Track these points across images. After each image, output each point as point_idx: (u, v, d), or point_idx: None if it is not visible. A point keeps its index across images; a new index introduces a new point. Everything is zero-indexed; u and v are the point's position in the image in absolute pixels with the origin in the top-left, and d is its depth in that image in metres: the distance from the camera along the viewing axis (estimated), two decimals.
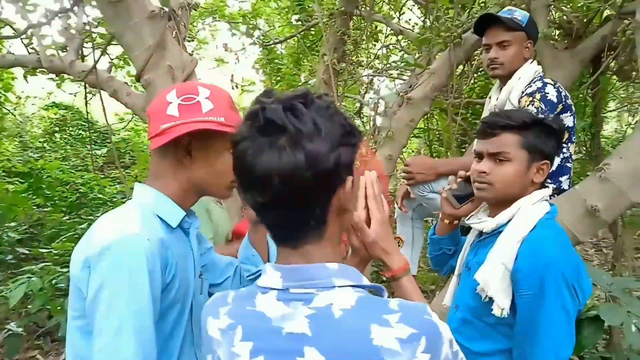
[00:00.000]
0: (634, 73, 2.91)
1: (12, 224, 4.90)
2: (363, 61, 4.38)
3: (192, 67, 2.49)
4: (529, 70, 2.23)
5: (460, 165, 2.08)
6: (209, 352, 0.89)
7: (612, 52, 2.73)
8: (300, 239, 0.83)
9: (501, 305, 1.38)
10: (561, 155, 2.17)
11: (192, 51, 8.12)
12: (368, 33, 4.24)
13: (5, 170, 6.56)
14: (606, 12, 2.82)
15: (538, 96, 2.10)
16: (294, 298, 0.81)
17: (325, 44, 4.11)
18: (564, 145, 2.18)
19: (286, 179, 0.75)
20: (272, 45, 6.96)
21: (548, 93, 2.10)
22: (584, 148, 3.17)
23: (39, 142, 9.62)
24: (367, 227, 1.10)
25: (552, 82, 2.15)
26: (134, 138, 8.42)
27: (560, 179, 2.18)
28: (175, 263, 1.18)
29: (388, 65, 5.13)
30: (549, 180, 2.17)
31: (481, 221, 1.55)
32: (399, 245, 2.50)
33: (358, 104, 5.35)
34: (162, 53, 2.42)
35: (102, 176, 6.77)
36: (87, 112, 4.08)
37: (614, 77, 3.15)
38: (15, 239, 4.53)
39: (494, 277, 1.40)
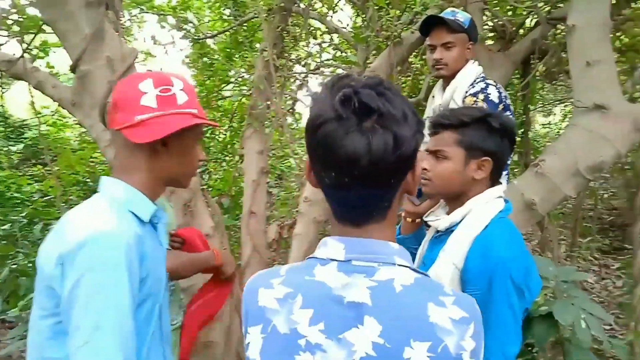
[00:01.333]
0: (560, 75, 3.12)
1: None
2: (301, 58, 4.38)
3: (133, 58, 2.37)
4: (472, 71, 2.33)
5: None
6: (258, 323, 0.87)
7: (542, 56, 2.90)
8: (369, 217, 0.87)
9: None
10: None
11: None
12: (306, 30, 4.23)
13: None
14: (536, 18, 3.00)
15: (481, 97, 2.20)
16: (355, 270, 0.84)
17: (265, 40, 4.06)
18: None
19: (375, 160, 0.79)
20: (204, 40, 6.79)
21: (490, 94, 2.20)
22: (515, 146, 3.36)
23: None
24: None
25: (494, 83, 2.25)
26: (55, 133, 7.90)
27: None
28: (149, 258, 1.16)
29: (321, 63, 5.17)
30: None
31: (437, 219, 1.59)
32: None
33: (291, 101, 5.35)
34: (100, 43, 2.29)
35: (20, 174, 6.31)
36: (1, 105, 3.79)
37: (542, 78, 3.37)
38: None
39: (444, 277, 1.44)
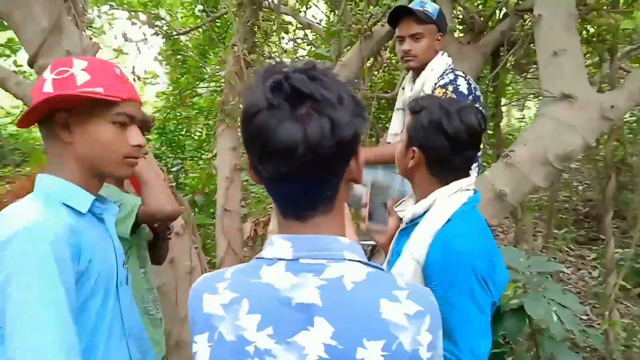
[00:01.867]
0: (529, 67, 3.14)
1: None
2: (274, 53, 4.33)
3: (94, 52, 2.30)
4: (441, 62, 2.31)
5: (380, 153, 2.11)
6: (204, 331, 0.84)
7: (511, 47, 2.90)
8: (314, 210, 0.83)
9: None
10: None
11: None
12: (277, 25, 4.18)
13: None
14: (505, 9, 3.00)
15: (450, 88, 2.18)
16: (304, 269, 0.80)
17: (235, 34, 4.00)
18: None
19: (312, 148, 0.76)
20: (177, 36, 6.70)
21: (459, 85, 2.18)
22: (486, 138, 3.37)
23: None
24: None
25: (463, 75, 2.24)
26: (25, 133, 7.73)
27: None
28: (92, 249, 1.11)
29: (296, 59, 5.12)
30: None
31: (403, 209, 1.57)
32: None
33: None
34: (59, 36, 2.21)
35: None
36: None
37: (512, 70, 3.38)
38: None
39: (406, 272, 1.41)
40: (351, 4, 3.81)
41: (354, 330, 0.76)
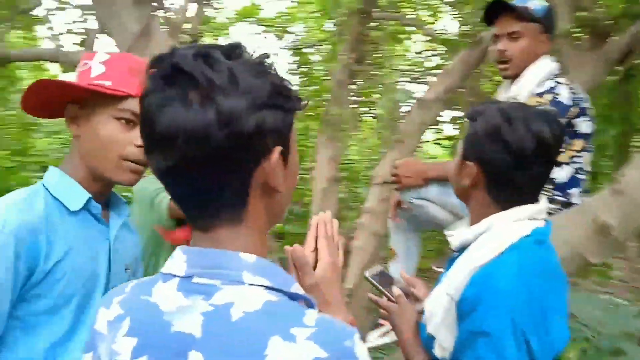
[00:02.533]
0: None
1: None
2: (384, 62, 4.17)
3: None
4: (543, 67, 1.97)
5: (445, 169, 1.85)
6: (90, 350, 0.75)
7: None
8: (213, 219, 0.69)
9: (443, 345, 1.14)
10: (573, 165, 1.90)
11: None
12: (388, 34, 4.03)
13: None
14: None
15: (548, 97, 1.85)
16: (195, 290, 0.66)
17: (344, 44, 3.94)
18: (577, 154, 1.91)
19: (193, 139, 0.63)
20: (305, 50, 6.85)
21: (559, 94, 1.84)
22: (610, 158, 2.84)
23: None
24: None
25: (566, 83, 1.89)
26: None
27: (570, 191, 1.89)
28: (63, 250, 1.06)
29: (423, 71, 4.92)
30: (557, 193, 1.90)
31: (452, 233, 1.32)
32: (392, 258, 2.27)
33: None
34: (146, 41, 2.30)
35: None
36: None
37: None
38: None
39: (437, 309, 1.16)
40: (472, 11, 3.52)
41: None
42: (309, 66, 6.82)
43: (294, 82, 7.39)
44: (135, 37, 2.25)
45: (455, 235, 1.28)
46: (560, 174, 1.89)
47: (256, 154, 0.67)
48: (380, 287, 1.31)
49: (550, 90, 1.86)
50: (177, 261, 0.69)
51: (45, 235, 1.04)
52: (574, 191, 1.89)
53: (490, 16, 2.06)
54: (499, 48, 2.01)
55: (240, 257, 0.67)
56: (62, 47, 3.79)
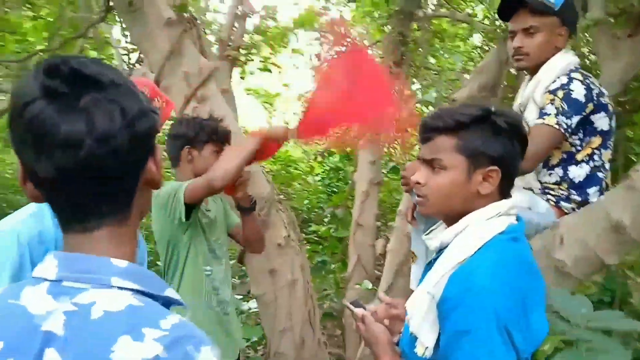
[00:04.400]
0: None
1: None
2: (428, 62, 4.12)
3: (208, 72, 2.49)
4: (560, 62, 1.90)
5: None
6: None
7: None
8: (102, 219, 0.72)
9: (425, 343, 1.15)
10: (591, 162, 1.82)
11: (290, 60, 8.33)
12: (434, 32, 3.98)
13: None
14: None
15: (560, 94, 1.79)
16: (64, 292, 0.69)
17: (383, 46, 3.94)
18: (596, 151, 1.83)
19: (101, 141, 0.66)
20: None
21: (573, 90, 1.78)
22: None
23: None
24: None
25: (581, 78, 1.81)
26: None
27: (588, 190, 1.82)
28: None
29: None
30: (574, 192, 1.83)
31: (431, 237, 1.32)
32: (412, 261, 2.27)
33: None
34: (179, 59, 2.46)
35: None
36: None
37: None
38: None
39: (418, 309, 1.18)
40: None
41: None
42: None
43: None
44: (166, 56, 2.41)
45: (434, 239, 1.29)
46: (577, 172, 1.82)
47: (146, 153, 0.73)
48: (352, 309, 1.39)
49: (564, 86, 1.80)
50: (48, 265, 0.72)
51: (54, 245, 1.17)
52: (593, 190, 1.82)
53: (506, 11, 2.02)
54: (514, 45, 1.97)
55: (112, 262, 0.70)
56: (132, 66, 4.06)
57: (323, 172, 7.16)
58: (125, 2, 2.33)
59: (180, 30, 2.45)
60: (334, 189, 6.04)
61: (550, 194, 1.88)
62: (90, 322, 0.66)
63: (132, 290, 0.70)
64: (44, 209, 1.21)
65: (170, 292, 0.75)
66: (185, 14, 2.49)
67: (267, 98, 8.62)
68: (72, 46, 4.58)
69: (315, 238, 4.67)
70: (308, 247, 4.16)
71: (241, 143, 1.86)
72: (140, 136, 0.70)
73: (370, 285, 2.84)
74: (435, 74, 5.45)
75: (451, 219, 1.25)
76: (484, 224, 1.19)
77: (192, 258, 1.96)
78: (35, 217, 1.19)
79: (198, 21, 2.60)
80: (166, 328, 0.66)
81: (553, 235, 1.78)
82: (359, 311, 1.40)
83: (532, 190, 1.91)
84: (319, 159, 6.83)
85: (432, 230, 1.36)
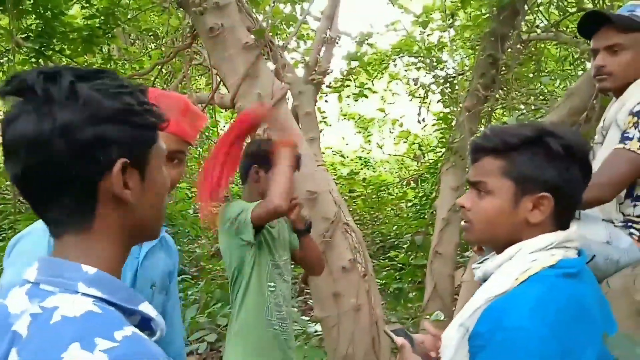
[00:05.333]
0: None
1: None
2: (515, 87, 3.89)
3: (281, 94, 2.56)
4: None
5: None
6: None
7: None
8: (61, 227, 0.76)
9: None
10: None
11: (387, 86, 8.35)
12: (525, 56, 3.77)
13: None
14: None
15: None
16: (37, 294, 0.73)
17: (474, 69, 3.81)
18: None
19: (32, 148, 0.70)
20: (458, 79, 6.71)
21: None
22: None
23: None
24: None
25: None
26: None
27: None
28: None
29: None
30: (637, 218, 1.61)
31: (479, 265, 1.23)
32: None
33: None
34: (253, 81, 2.55)
35: None
36: None
37: None
38: None
39: (450, 341, 1.09)
40: None
41: None
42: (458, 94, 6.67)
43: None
44: (242, 78, 2.51)
45: (480, 268, 1.20)
46: None
47: (98, 164, 0.72)
48: (392, 337, 1.32)
49: None
50: (32, 268, 0.76)
51: None
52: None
53: (589, 28, 1.87)
54: (596, 64, 1.80)
55: (81, 268, 0.72)
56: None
57: (415, 198, 7.02)
58: (207, 28, 2.48)
59: (257, 54, 2.55)
60: (425, 216, 5.89)
61: (634, 227, 1.67)
62: (49, 326, 0.67)
63: (95, 297, 0.71)
64: None
65: (144, 307, 0.75)
66: (262, 39, 2.59)
67: (363, 123, 8.72)
68: (178, 73, 4.96)
69: (400, 264, 4.56)
70: (386, 272, 4.07)
71: (279, 158, 1.92)
72: (78, 145, 0.70)
73: (442, 317, 2.69)
74: (539, 99, 5.17)
75: (499, 248, 1.16)
76: (530, 256, 1.08)
77: (256, 274, 2.00)
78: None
79: (277, 45, 2.68)
80: (118, 339, 0.66)
81: (635, 275, 1.58)
82: (399, 340, 1.34)
83: (613, 222, 1.72)
84: (412, 184, 6.70)
85: (484, 260, 1.27)
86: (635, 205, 1.68)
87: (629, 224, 1.69)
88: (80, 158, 0.71)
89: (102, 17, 4.49)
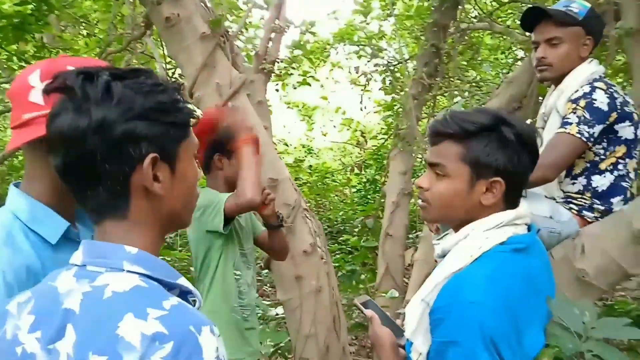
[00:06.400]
0: None
1: None
2: (457, 75, 4.11)
3: (239, 83, 2.59)
4: (584, 72, 1.90)
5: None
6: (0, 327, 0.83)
7: None
8: (100, 214, 0.82)
9: (418, 349, 1.16)
10: (615, 172, 1.80)
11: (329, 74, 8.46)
12: (464, 45, 3.98)
13: None
14: None
15: (582, 103, 1.78)
16: (85, 275, 0.79)
17: (419, 58, 3.98)
18: (620, 160, 1.81)
19: (69, 143, 0.77)
20: (398, 67, 6.91)
21: (596, 99, 1.77)
22: None
23: None
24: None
25: (605, 87, 1.80)
26: None
27: (612, 199, 1.80)
28: None
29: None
30: (597, 202, 1.81)
31: (438, 243, 1.33)
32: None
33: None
34: (211, 71, 2.56)
35: None
36: None
37: None
38: None
39: (412, 315, 1.19)
40: None
41: (88, 341, 0.73)
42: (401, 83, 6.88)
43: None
44: (199, 68, 2.52)
45: (438, 246, 1.30)
46: (600, 181, 1.81)
47: (129, 158, 0.78)
48: (362, 309, 1.41)
49: (586, 95, 1.79)
50: (78, 252, 0.82)
51: (42, 273, 0.98)
52: (616, 199, 1.79)
53: (530, 22, 2.03)
54: (537, 55, 1.97)
55: (124, 248, 0.79)
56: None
57: (359, 184, 7.20)
58: (163, 18, 2.47)
59: (214, 44, 2.56)
60: (370, 201, 6.07)
61: (573, 203, 1.87)
62: (102, 301, 0.75)
63: (140, 274, 0.78)
64: (12, 232, 1.02)
65: (182, 281, 0.83)
66: (219, 29, 2.60)
67: (306, 111, 8.80)
68: (120, 62, 4.82)
69: (349, 248, 4.71)
70: (338, 256, 4.20)
71: (242, 155, 1.96)
72: (111, 141, 0.76)
73: (396, 294, 2.85)
74: (475, 86, 5.44)
75: (455, 227, 1.27)
76: (484, 234, 1.19)
77: (224, 263, 2.03)
78: (9, 245, 1.00)
79: (231, 34, 2.70)
80: (166, 308, 0.73)
81: (575, 245, 1.76)
82: (367, 312, 1.43)
83: (554, 199, 1.90)
84: (356, 170, 6.87)
85: (443, 236, 1.38)
86: (574, 183, 1.87)
87: (569, 200, 1.88)
88: (112, 153, 0.77)
89: (34, 4, 4.31)
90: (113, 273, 0.78)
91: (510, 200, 1.23)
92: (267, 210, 2.07)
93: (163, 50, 3.50)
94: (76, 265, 0.81)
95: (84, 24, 5.86)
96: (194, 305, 0.83)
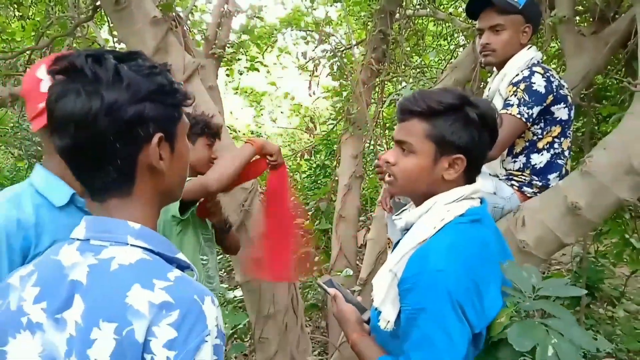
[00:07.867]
0: None
1: None
2: (403, 61, 4.24)
3: (192, 68, 2.59)
4: (523, 57, 2.03)
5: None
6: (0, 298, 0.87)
7: None
8: (105, 193, 0.85)
9: (386, 317, 1.25)
10: (551, 150, 1.96)
11: (277, 60, 8.43)
12: (410, 31, 4.10)
13: None
14: None
15: (522, 86, 1.91)
16: (89, 249, 0.82)
17: (367, 44, 4.06)
18: (556, 140, 1.96)
19: (80, 125, 0.78)
20: (345, 52, 6.98)
21: (534, 83, 1.90)
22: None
23: None
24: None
25: (542, 71, 1.94)
26: None
27: (549, 176, 1.95)
28: (49, 241, 1.21)
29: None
30: (536, 178, 1.96)
31: (399, 218, 1.42)
32: (389, 248, 2.39)
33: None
34: (164, 56, 2.54)
35: None
36: None
37: None
38: None
39: (381, 286, 1.28)
40: None
41: (97, 310, 0.76)
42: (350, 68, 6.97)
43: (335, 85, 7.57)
44: (152, 53, 2.50)
45: (402, 219, 1.39)
46: (538, 159, 1.95)
47: (138, 139, 0.82)
48: (325, 289, 1.49)
49: (525, 79, 1.92)
50: (80, 228, 0.86)
51: (34, 230, 1.20)
52: (553, 175, 1.95)
53: (474, 10, 2.15)
54: (482, 42, 2.09)
55: (127, 224, 0.84)
56: None
57: (309, 169, 7.28)
58: (112, 1, 2.42)
59: (166, 28, 2.54)
60: (320, 186, 6.15)
61: (514, 179, 2.01)
62: (109, 273, 0.79)
63: (143, 248, 0.82)
64: (21, 194, 1.24)
65: (181, 256, 0.88)
66: (170, 13, 2.58)
67: (255, 97, 8.77)
68: (61, 46, 4.65)
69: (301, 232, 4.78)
70: None
71: (236, 149, 1.97)
72: (122, 122, 0.80)
73: (351, 273, 2.95)
74: (420, 71, 5.60)
75: (418, 201, 1.35)
76: (445, 207, 1.28)
77: (191, 248, 2.05)
78: (11, 202, 1.22)
79: (183, 19, 2.68)
80: (171, 279, 0.79)
81: (516, 218, 1.90)
82: (332, 291, 1.51)
83: (497, 176, 2.04)
84: (306, 156, 6.93)
85: (402, 212, 1.47)
86: (515, 162, 2.01)
87: (510, 177, 2.02)
88: (122, 134, 0.80)
89: None
90: (118, 247, 0.82)
91: (470, 176, 1.32)
92: (214, 217, 2.14)
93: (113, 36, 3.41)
94: (78, 239, 0.84)
95: (16, 5, 5.59)
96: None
